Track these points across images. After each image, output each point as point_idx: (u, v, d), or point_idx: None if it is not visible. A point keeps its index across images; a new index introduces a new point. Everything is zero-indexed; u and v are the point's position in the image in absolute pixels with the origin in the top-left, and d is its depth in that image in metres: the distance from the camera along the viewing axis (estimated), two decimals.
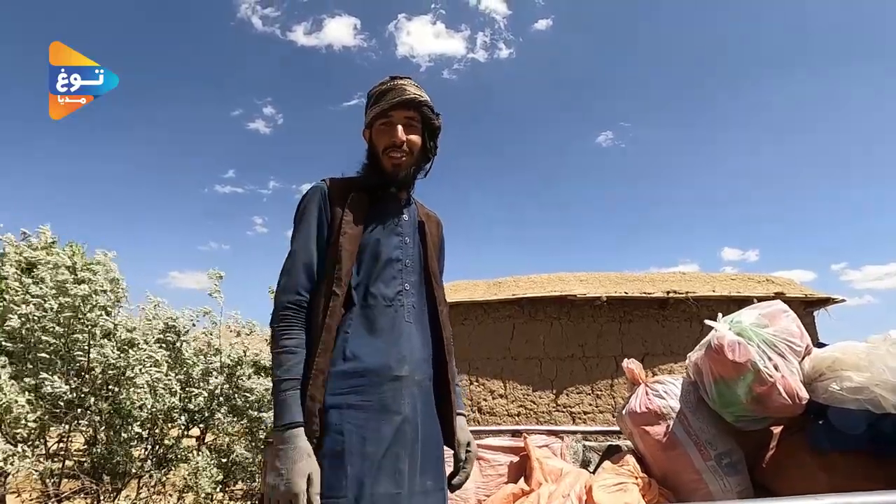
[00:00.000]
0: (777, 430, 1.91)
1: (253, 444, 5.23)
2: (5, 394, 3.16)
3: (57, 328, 3.82)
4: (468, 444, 1.27)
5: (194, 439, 5.92)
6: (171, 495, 4.84)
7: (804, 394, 1.64)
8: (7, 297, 3.86)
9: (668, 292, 6.87)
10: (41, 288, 3.80)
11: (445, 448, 1.24)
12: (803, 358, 1.74)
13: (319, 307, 1.12)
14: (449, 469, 1.24)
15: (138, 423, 4.25)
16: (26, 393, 3.57)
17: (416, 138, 1.26)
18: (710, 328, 1.85)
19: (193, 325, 5.48)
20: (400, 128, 1.23)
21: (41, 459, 3.64)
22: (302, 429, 1.01)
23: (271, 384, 1.08)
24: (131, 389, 4.13)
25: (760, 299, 6.48)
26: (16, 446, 3.29)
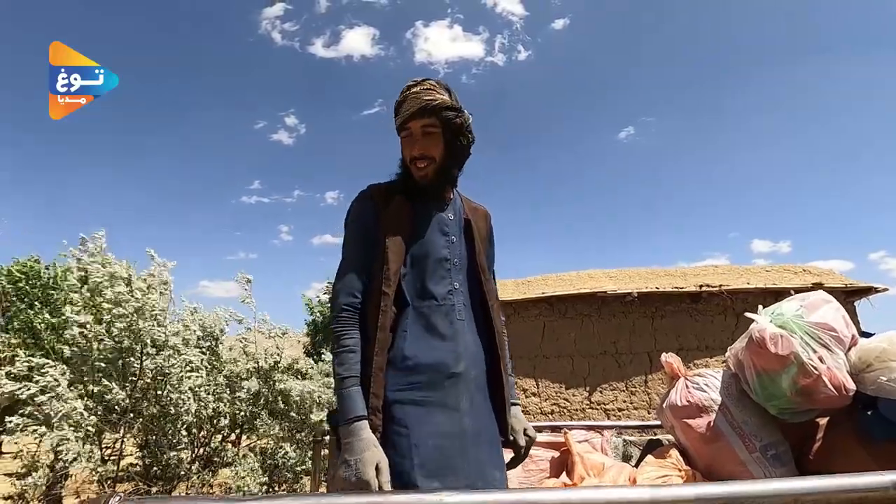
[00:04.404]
0: (823, 420, 1.88)
1: (296, 446, 5.35)
2: (66, 401, 3.34)
3: (109, 341, 4.02)
4: (525, 431, 1.32)
5: (230, 444, 6.10)
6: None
7: (851, 385, 1.63)
8: (68, 307, 4.09)
9: (700, 286, 6.74)
10: (103, 296, 4.01)
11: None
12: (849, 349, 1.72)
13: (372, 307, 1.19)
14: (506, 456, 1.29)
15: (184, 426, 4.43)
16: (82, 399, 3.77)
17: (436, 146, 1.26)
18: (748, 321, 1.85)
19: (224, 328, 5.67)
20: (417, 142, 1.26)
21: (98, 462, 3.84)
22: (366, 421, 1.07)
23: (334, 382, 1.15)
24: (177, 395, 4.30)
25: (798, 290, 6.31)
26: (83, 446, 3.48)
